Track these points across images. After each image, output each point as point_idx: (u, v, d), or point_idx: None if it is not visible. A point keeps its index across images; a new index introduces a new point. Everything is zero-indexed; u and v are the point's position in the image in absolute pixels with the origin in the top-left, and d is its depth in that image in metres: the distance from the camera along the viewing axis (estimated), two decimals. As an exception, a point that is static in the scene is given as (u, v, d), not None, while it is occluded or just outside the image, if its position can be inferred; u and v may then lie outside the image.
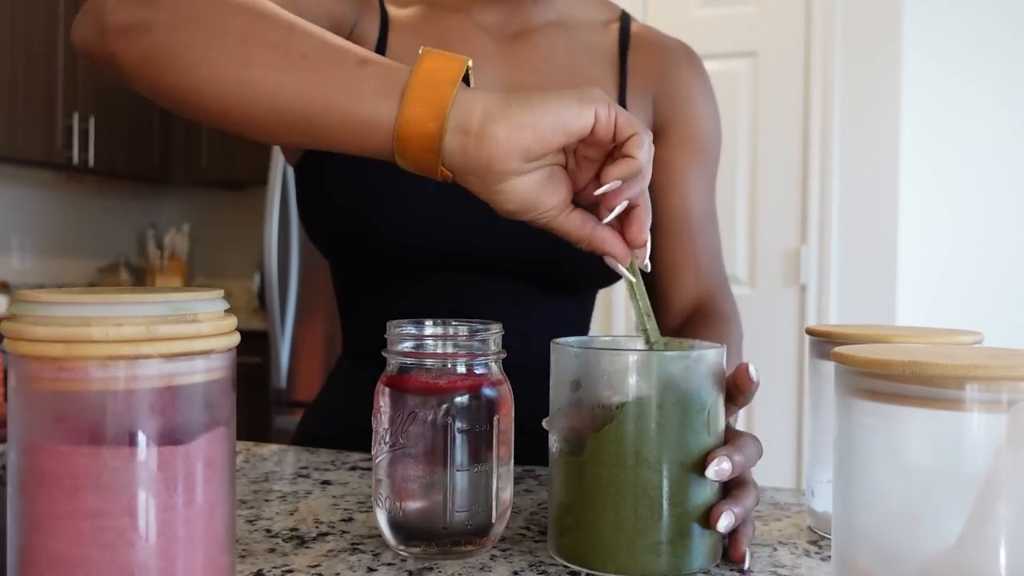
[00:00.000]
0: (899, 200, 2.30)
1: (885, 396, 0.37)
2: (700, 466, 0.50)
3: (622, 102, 0.86)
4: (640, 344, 0.57)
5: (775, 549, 0.57)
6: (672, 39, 0.93)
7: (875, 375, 0.38)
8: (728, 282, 0.92)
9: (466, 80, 0.53)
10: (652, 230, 0.88)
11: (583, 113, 0.50)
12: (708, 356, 0.50)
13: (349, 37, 0.81)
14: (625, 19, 0.92)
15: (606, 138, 0.51)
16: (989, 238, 2.34)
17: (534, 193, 0.52)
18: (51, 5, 2.96)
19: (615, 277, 0.86)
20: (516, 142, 0.49)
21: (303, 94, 0.51)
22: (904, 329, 0.56)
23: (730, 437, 0.53)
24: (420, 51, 0.52)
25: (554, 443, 0.53)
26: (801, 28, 2.39)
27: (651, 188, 0.88)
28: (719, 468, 0.50)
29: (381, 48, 0.82)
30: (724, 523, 0.50)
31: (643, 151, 0.51)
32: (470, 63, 0.52)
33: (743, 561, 0.52)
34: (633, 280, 0.54)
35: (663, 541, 0.49)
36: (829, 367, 0.51)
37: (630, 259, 0.54)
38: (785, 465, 2.37)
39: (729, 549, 0.53)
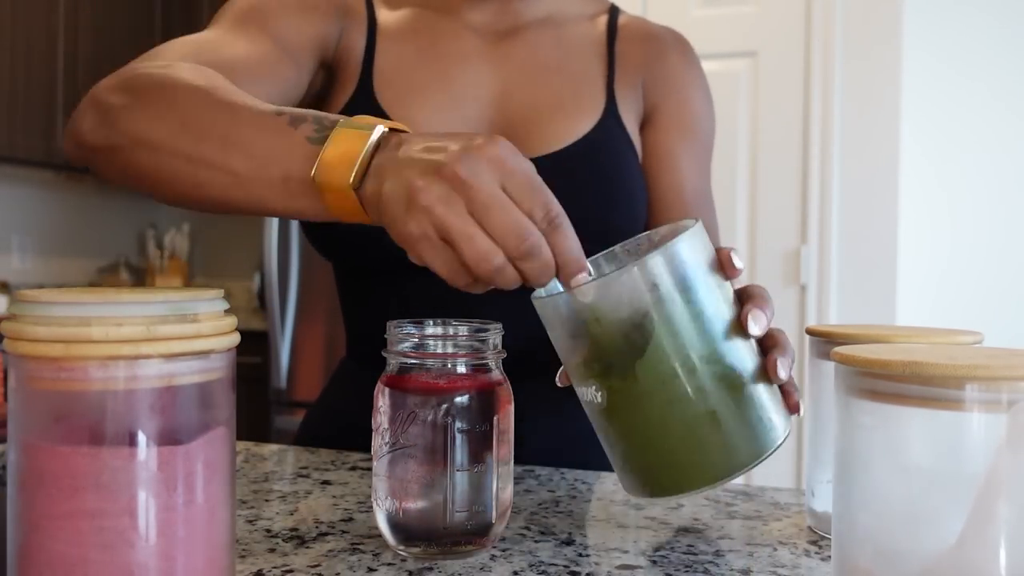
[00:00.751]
0: (899, 200, 2.30)
1: (885, 396, 0.37)
2: (739, 338, 0.48)
3: (610, 92, 0.86)
4: (616, 255, 0.54)
5: (775, 549, 0.57)
6: (661, 27, 0.93)
7: (875, 375, 0.38)
8: None
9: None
10: (647, 211, 0.88)
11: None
12: (697, 230, 0.49)
13: (335, 53, 0.82)
14: (614, 12, 0.92)
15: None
16: (989, 238, 2.34)
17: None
18: (51, 5, 2.96)
19: None
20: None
21: (238, 189, 0.55)
22: (904, 329, 0.56)
23: (739, 293, 0.53)
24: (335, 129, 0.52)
25: (595, 395, 0.49)
26: (801, 28, 2.39)
27: (644, 172, 0.88)
28: (758, 323, 0.49)
29: (369, 58, 0.82)
30: (783, 371, 0.50)
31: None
32: (379, 133, 0.51)
33: (799, 410, 0.52)
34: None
35: (750, 423, 0.48)
36: (829, 367, 0.51)
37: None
38: (785, 465, 2.37)
39: (785, 398, 0.52)
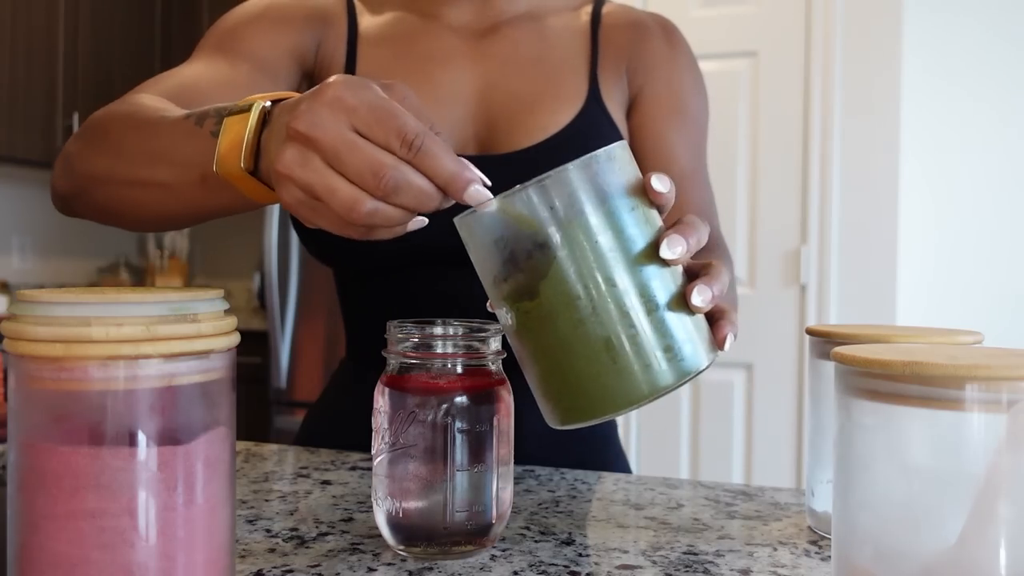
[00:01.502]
0: (899, 200, 2.30)
1: (885, 396, 0.37)
2: (653, 265, 0.46)
3: (593, 79, 0.86)
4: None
5: (775, 549, 0.57)
6: (647, 14, 0.92)
7: (875, 375, 0.38)
8: (723, 239, 0.91)
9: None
10: None
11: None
12: (605, 153, 0.47)
13: (315, 62, 0.84)
14: (598, 2, 0.92)
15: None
16: (989, 238, 2.34)
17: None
18: (51, 5, 2.96)
19: None
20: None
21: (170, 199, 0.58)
22: (904, 329, 0.56)
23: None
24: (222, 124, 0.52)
25: (506, 316, 0.48)
26: (801, 28, 2.39)
27: (635, 157, 0.88)
28: (672, 247, 0.46)
29: (351, 63, 0.83)
30: (699, 298, 0.47)
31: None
32: (257, 110, 0.51)
33: (723, 346, 0.49)
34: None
35: (651, 352, 0.45)
36: (829, 367, 0.51)
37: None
38: (785, 465, 2.37)
39: (713, 332, 0.50)
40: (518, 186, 0.47)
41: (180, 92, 0.72)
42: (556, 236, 0.45)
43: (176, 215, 0.59)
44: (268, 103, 0.51)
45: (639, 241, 0.46)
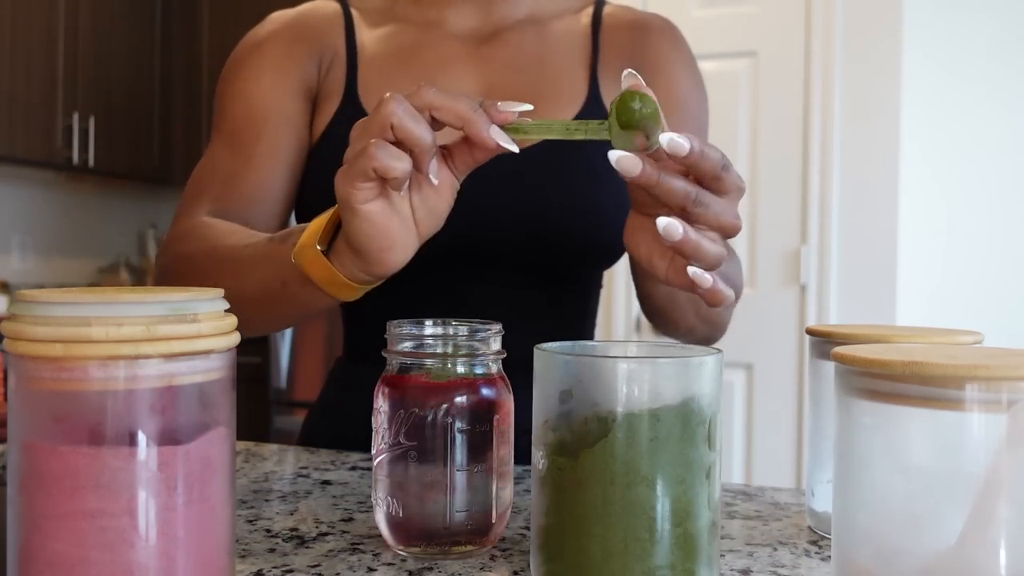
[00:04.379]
0: (899, 200, 2.30)
1: (885, 396, 0.37)
2: (701, 484, 0.45)
3: (593, 83, 0.86)
4: (633, 350, 0.53)
5: (775, 549, 0.57)
6: (648, 14, 0.92)
7: (875, 375, 0.38)
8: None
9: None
10: None
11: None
12: (708, 363, 0.46)
13: (319, 84, 0.86)
14: (599, 3, 0.92)
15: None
16: (989, 238, 2.34)
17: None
18: (51, 5, 2.96)
19: (614, 260, 0.86)
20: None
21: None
22: (904, 329, 0.56)
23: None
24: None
25: (540, 459, 0.48)
26: (801, 28, 2.39)
27: None
28: (668, 224, 0.52)
29: (351, 80, 0.85)
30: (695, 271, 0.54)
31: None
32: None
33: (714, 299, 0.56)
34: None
35: (662, 566, 0.45)
36: (829, 367, 0.51)
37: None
38: (785, 465, 2.37)
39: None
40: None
41: (229, 192, 0.80)
42: (619, 416, 0.44)
43: (267, 324, 0.69)
44: None
45: (694, 462, 0.45)
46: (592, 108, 0.84)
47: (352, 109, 0.82)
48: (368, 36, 0.86)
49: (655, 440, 0.44)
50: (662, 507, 0.45)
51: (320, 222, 0.58)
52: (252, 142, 0.82)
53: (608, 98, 0.86)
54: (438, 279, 0.82)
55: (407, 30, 0.87)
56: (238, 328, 0.45)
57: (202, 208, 0.80)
